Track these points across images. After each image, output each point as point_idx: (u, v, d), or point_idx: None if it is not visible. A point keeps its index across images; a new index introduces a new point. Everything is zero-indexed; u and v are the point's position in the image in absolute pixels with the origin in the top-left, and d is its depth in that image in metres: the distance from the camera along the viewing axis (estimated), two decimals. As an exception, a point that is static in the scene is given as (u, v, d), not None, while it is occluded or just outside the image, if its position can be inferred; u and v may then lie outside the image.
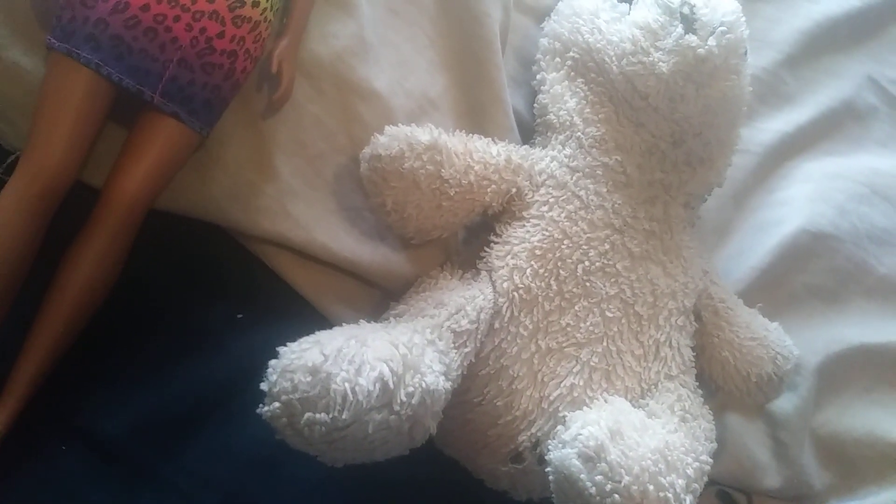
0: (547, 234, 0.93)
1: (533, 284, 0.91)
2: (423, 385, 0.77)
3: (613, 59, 0.96)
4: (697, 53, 0.90)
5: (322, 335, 0.79)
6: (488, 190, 0.93)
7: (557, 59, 1.02)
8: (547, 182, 0.95)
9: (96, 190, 0.86)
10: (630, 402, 0.90)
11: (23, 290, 0.82)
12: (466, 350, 0.86)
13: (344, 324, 0.85)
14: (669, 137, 0.96)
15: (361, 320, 0.86)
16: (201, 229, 0.94)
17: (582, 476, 0.76)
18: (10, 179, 0.81)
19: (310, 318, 0.95)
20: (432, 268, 0.98)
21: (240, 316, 0.94)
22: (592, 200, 0.95)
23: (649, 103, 0.95)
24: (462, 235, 1.03)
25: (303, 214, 0.95)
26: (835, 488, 1.10)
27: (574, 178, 0.96)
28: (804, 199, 1.20)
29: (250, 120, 0.95)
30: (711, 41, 0.90)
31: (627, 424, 0.80)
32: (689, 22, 0.91)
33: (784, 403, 1.08)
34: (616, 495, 0.75)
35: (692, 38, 0.90)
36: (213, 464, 0.89)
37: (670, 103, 0.94)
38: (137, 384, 0.90)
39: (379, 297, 1.00)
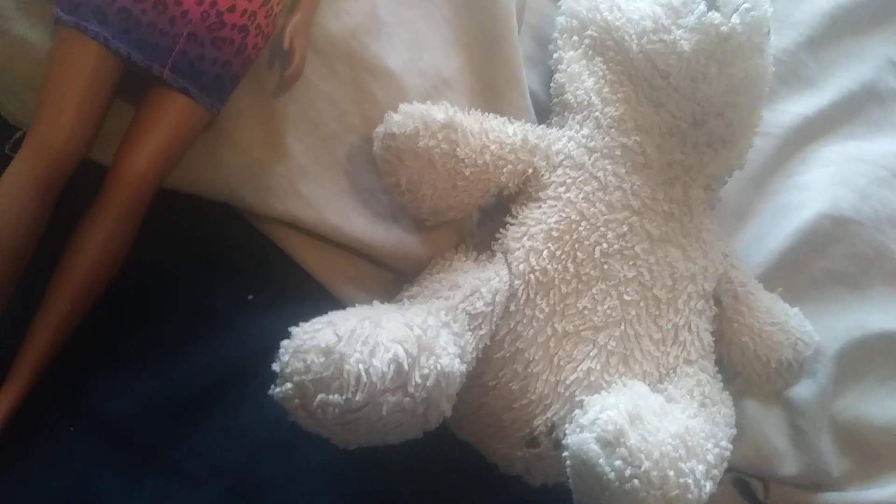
0: (564, 215, 0.91)
1: (549, 266, 0.89)
2: (438, 367, 0.75)
3: (633, 37, 0.94)
4: (720, 31, 0.88)
5: (335, 316, 0.77)
6: (504, 170, 0.92)
7: (575, 38, 1.00)
8: (564, 162, 0.93)
9: (105, 168, 0.85)
10: (648, 386, 0.88)
11: (30, 269, 0.81)
12: (481, 333, 0.85)
13: (356, 305, 0.83)
14: (690, 118, 0.94)
15: (375, 301, 0.84)
16: (211, 209, 0.92)
17: (601, 461, 0.74)
18: (16, 156, 0.80)
19: (321, 300, 0.93)
20: (446, 249, 0.97)
21: (250, 297, 0.93)
22: (611, 181, 0.93)
23: (670, 83, 0.93)
24: (476, 217, 1.02)
25: (314, 194, 0.93)
26: (853, 475, 1.09)
27: (592, 158, 0.94)
28: (825, 183, 1.18)
29: (261, 98, 0.93)
30: (735, 18, 0.88)
31: (647, 409, 0.78)
32: (711, -2, 0.89)
33: (802, 390, 1.06)
34: (636, 480, 0.73)
35: (715, 16, 0.88)
36: (222, 448, 0.88)
37: (692, 83, 0.92)
38: (146, 366, 0.89)
39: (391, 279, 0.98)
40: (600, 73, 0.97)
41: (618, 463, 0.74)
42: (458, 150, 0.88)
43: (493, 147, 0.91)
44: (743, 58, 0.90)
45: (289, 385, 0.71)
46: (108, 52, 0.80)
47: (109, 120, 0.86)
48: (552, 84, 1.02)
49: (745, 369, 1.01)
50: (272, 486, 0.88)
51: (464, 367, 0.80)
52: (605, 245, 0.91)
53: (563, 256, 0.90)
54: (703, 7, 0.89)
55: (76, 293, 0.82)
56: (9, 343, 0.81)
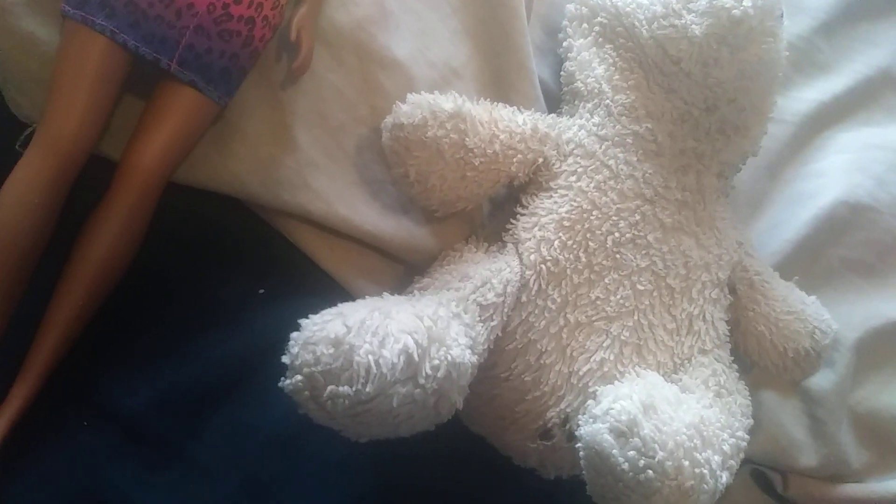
0: (575, 204, 0.90)
1: (561, 257, 0.88)
2: (449, 358, 0.74)
3: (643, 22, 0.93)
4: (732, 15, 0.86)
5: (345, 307, 0.77)
6: (514, 160, 0.91)
7: (585, 25, 0.99)
8: (575, 151, 0.92)
9: (114, 163, 0.85)
10: (662, 377, 0.87)
11: (40, 265, 0.81)
12: (493, 324, 0.84)
13: (367, 297, 0.83)
14: (702, 104, 0.93)
15: (385, 293, 0.84)
16: (220, 203, 0.92)
17: (614, 451, 0.74)
18: (26, 151, 0.80)
19: (331, 293, 0.92)
20: (457, 241, 0.96)
21: (261, 291, 0.92)
22: (622, 170, 0.92)
23: (681, 68, 0.92)
24: (487, 209, 1.01)
25: (323, 187, 0.92)
26: (873, 467, 1.07)
27: (603, 146, 0.93)
28: (841, 169, 1.16)
29: (270, 91, 0.92)
30: (747, 2, 0.87)
31: (661, 398, 0.77)
32: (722, -18, 0.88)
33: (821, 380, 1.04)
34: (650, 471, 0.72)
35: (727, -1, 0.87)
36: (235, 441, 0.88)
37: (703, 68, 0.91)
38: (158, 361, 0.89)
39: (402, 271, 0.97)
40: (611, 61, 0.96)
41: (631, 453, 0.73)
42: (467, 139, 0.88)
43: (502, 136, 0.90)
44: (755, 42, 0.89)
45: (299, 377, 0.71)
46: (115, 45, 0.80)
47: (118, 114, 0.86)
48: (562, 73, 1.01)
49: (761, 359, 0.99)
50: (286, 479, 0.88)
51: (475, 359, 0.79)
52: (617, 234, 0.90)
53: (574, 246, 0.89)
54: (714, -10, 0.88)
55: (87, 288, 0.82)
56: (20, 339, 0.81)
